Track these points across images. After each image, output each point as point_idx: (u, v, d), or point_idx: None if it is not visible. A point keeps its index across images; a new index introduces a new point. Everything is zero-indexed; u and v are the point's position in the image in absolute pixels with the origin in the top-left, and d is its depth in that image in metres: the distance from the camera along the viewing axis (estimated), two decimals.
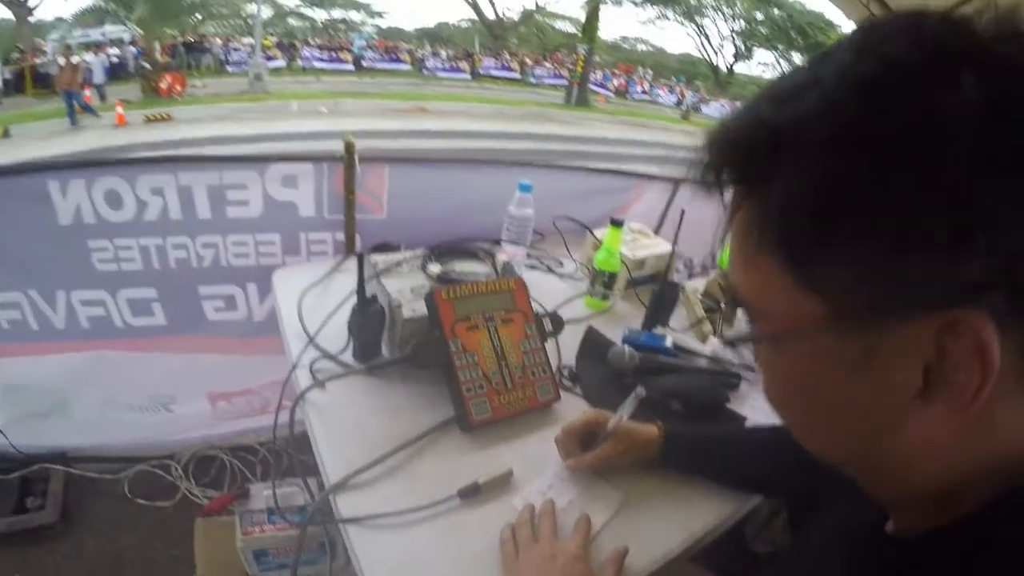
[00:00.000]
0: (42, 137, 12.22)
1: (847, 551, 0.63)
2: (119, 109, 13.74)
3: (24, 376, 2.22)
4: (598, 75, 31.46)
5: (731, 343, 0.50)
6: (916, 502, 0.51)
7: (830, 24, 32.69)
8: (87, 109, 13.73)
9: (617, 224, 1.78)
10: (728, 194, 0.49)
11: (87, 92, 14.64)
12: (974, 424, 0.42)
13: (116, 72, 19.06)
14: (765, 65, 42.46)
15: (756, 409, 1.48)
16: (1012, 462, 0.43)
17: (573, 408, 1.38)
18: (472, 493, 1.08)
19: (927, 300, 0.39)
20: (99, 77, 17.24)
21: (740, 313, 0.52)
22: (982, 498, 0.45)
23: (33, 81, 18.13)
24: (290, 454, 1.32)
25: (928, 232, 0.37)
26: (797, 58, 38.17)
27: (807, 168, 0.41)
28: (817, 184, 0.40)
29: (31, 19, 23.79)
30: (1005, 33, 0.38)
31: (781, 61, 39.91)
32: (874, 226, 0.39)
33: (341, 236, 2.09)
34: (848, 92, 0.39)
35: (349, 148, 1.91)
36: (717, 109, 33.34)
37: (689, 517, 1.14)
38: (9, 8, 23.05)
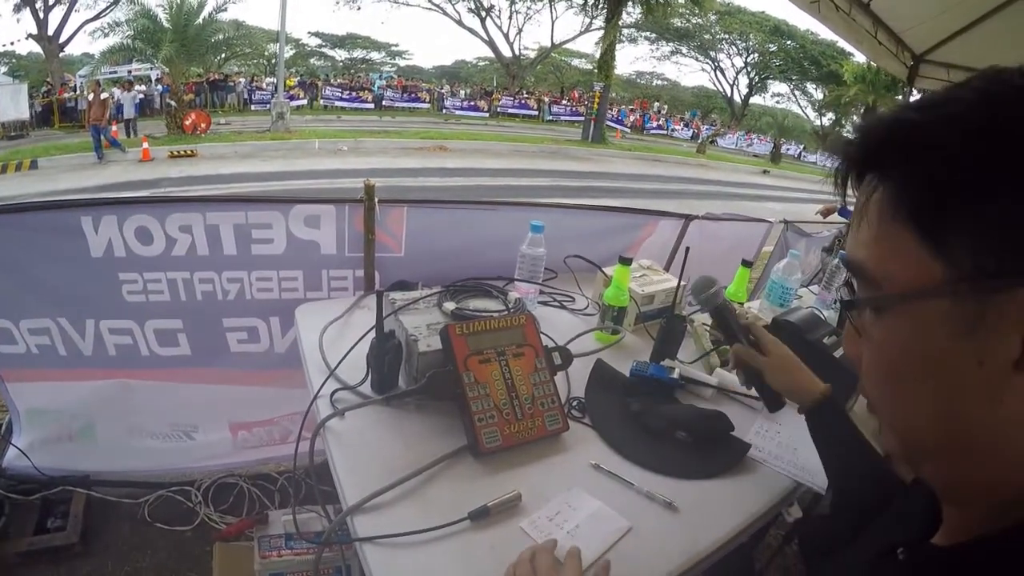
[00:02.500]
0: (69, 170, 12.39)
1: (887, 566, 0.68)
2: (145, 144, 13.95)
3: (50, 401, 2.30)
4: (614, 111, 31.70)
5: (850, 304, 0.54)
6: (985, 502, 0.56)
7: (842, 53, 32.91)
8: (114, 144, 13.91)
9: (625, 262, 1.84)
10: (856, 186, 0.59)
11: (114, 127, 14.91)
12: None
13: (142, 108, 19.51)
14: (780, 96, 42.92)
15: (761, 436, 1.53)
16: None
17: (581, 438, 1.44)
18: (482, 515, 1.14)
19: None
20: (130, 112, 17.78)
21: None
22: None
23: (60, 115, 18.57)
24: (308, 482, 1.38)
25: None
26: (811, 87, 38.57)
27: (948, 150, 0.48)
28: (956, 162, 0.48)
29: (60, 55, 24.47)
30: None
31: (796, 92, 40.25)
32: (999, 200, 0.46)
33: (361, 273, 2.17)
34: (984, 104, 0.48)
35: (369, 191, 1.99)
36: (733, 141, 33.51)
37: (692, 542, 1.18)
38: (39, 43, 23.71)
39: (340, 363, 1.54)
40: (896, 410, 0.59)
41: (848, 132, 0.59)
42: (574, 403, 1.56)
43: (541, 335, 1.51)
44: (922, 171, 0.51)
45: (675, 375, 1.66)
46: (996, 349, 0.48)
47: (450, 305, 1.60)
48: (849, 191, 0.59)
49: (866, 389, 0.62)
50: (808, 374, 1.34)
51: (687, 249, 1.78)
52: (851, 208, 0.61)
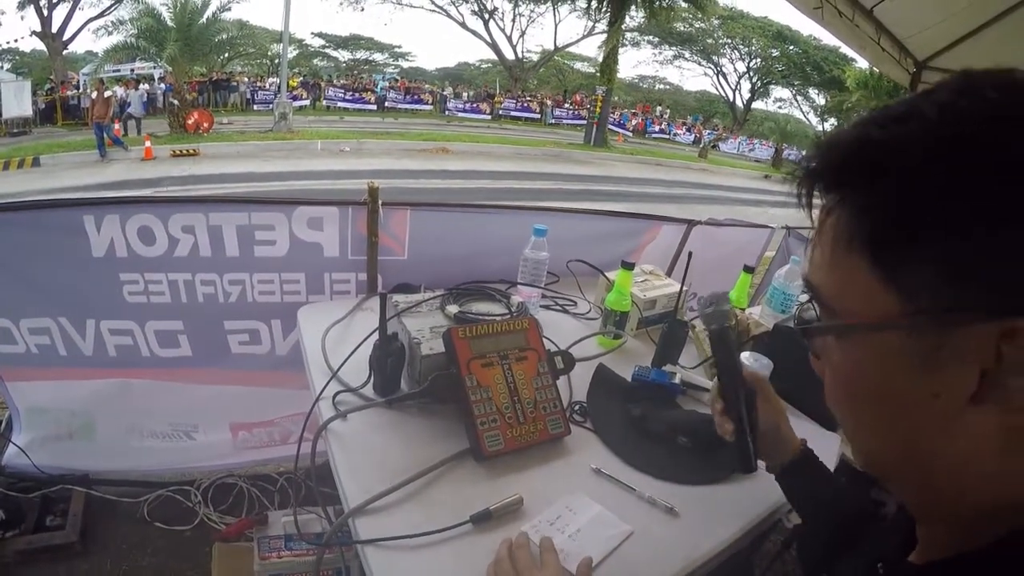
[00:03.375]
0: (71, 167, 12.43)
1: None
2: (147, 143, 13.98)
3: (50, 399, 2.29)
4: (617, 115, 31.70)
5: (805, 331, 0.52)
6: (950, 521, 0.56)
7: (845, 59, 32.86)
8: (116, 142, 13.94)
9: (627, 267, 1.84)
10: (816, 205, 0.57)
11: (116, 125, 14.94)
12: (1018, 438, 0.47)
13: (145, 107, 19.53)
14: (782, 101, 42.96)
15: None
16: None
17: (583, 442, 1.44)
18: (484, 519, 1.14)
19: (995, 306, 0.44)
20: (138, 111, 17.84)
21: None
22: (1016, 526, 0.50)
23: (63, 112, 18.59)
24: (308, 484, 1.38)
25: (1008, 245, 0.43)
26: (814, 93, 38.57)
27: (905, 178, 0.47)
28: (913, 192, 0.46)
29: (64, 52, 24.48)
30: None
31: (798, 97, 40.28)
32: (960, 233, 0.44)
33: (363, 276, 2.17)
34: (950, 121, 0.46)
35: (373, 193, 1.99)
36: (735, 146, 33.53)
37: (693, 547, 1.18)
38: (42, 41, 23.73)
39: (343, 365, 1.54)
40: (855, 431, 0.60)
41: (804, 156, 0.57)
42: (576, 407, 1.56)
43: (544, 339, 1.51)
44: (876, 200, 0.49)
45: (677, 380, 1.66)
46: (952, 383, 0.48)
47: (453, 308, 1.60)
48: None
49: (831, 409, 0.61)
50: (789, 426, 1.20)
51: (690, 254, 1.78)
52: None
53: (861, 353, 0.54)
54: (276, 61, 31.44)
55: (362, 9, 38.69)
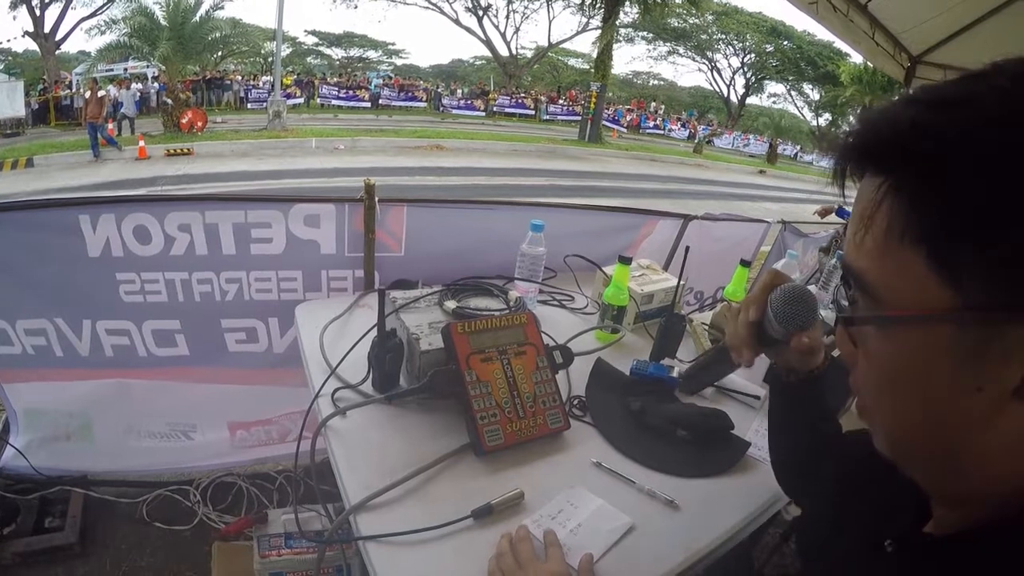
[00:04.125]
0: (65, 168, 12.35)
1: (876, 560, 0.67)
2: (141, 143, 13.94)
3: (47, 401, 2.28)
4: (611, 111, 31.68)
5: (848, 321, 0.51)
6: (973, 500, 0.56)
7: (839, 54, 32.94)
8: (110, 142, 13.87)
9: (625, 261, 1.84)
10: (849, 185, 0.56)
11: (110, 125, 14.89)
12: None
13: (138, 107, 19.45)
14: (776, 96, 43.06)
15: (760, 435, 1.52)
16: None
17: (582, 436, 1.44)
18: (485, 514, 1.15)
19: None
20: (130, 110, 17.76)
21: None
22: None
23: (56, 113, 18.47)
24: (308, 481, 1.38)
25: None
26: (808, 88, 38.68)
27: (962, 169, 0.45)
28: (971, 185, 0.44)
29: (56, 52, 24.36)
30: None
31: (792, 92, 40.35)
32: (1018, 229, 0.43)
33: (361, 273, 2.16)
34: (1008, 112, 0.44)
35: (369, 190, 1.99)
36: (729, 141, 33.61)
37: (693, 540, 1.18)
38: (35, 41, 23.61)
39: (341, 362, 1.54)
40: (887, 419, 0.59)
41: (846, 128, 0.55)
42: (575, 401, 1.56)
43: (542, 334, 1.51)
44: (934, 192, 0.47)
45: (675, 374, 1.66)
46: (998, 377, 0.47)
47: (451, 304, 1.60)
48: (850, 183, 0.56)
49: (858, 393, 0.61)
50: (821, 332, 1.03)
51: (687, 248, 1.78)
52: (849, 208, 0.58)
53: (906, 343, 0.53)
54: (270, 59, 31.33)
55: (355, 6, 38.66)
